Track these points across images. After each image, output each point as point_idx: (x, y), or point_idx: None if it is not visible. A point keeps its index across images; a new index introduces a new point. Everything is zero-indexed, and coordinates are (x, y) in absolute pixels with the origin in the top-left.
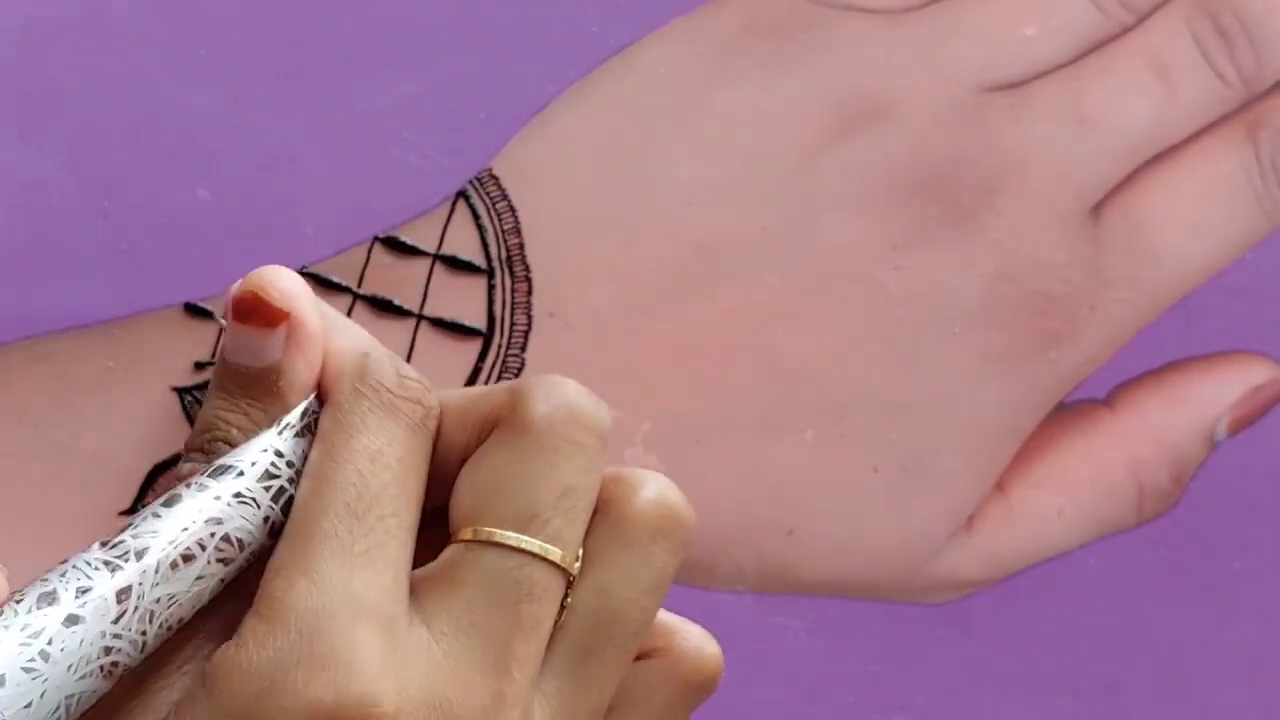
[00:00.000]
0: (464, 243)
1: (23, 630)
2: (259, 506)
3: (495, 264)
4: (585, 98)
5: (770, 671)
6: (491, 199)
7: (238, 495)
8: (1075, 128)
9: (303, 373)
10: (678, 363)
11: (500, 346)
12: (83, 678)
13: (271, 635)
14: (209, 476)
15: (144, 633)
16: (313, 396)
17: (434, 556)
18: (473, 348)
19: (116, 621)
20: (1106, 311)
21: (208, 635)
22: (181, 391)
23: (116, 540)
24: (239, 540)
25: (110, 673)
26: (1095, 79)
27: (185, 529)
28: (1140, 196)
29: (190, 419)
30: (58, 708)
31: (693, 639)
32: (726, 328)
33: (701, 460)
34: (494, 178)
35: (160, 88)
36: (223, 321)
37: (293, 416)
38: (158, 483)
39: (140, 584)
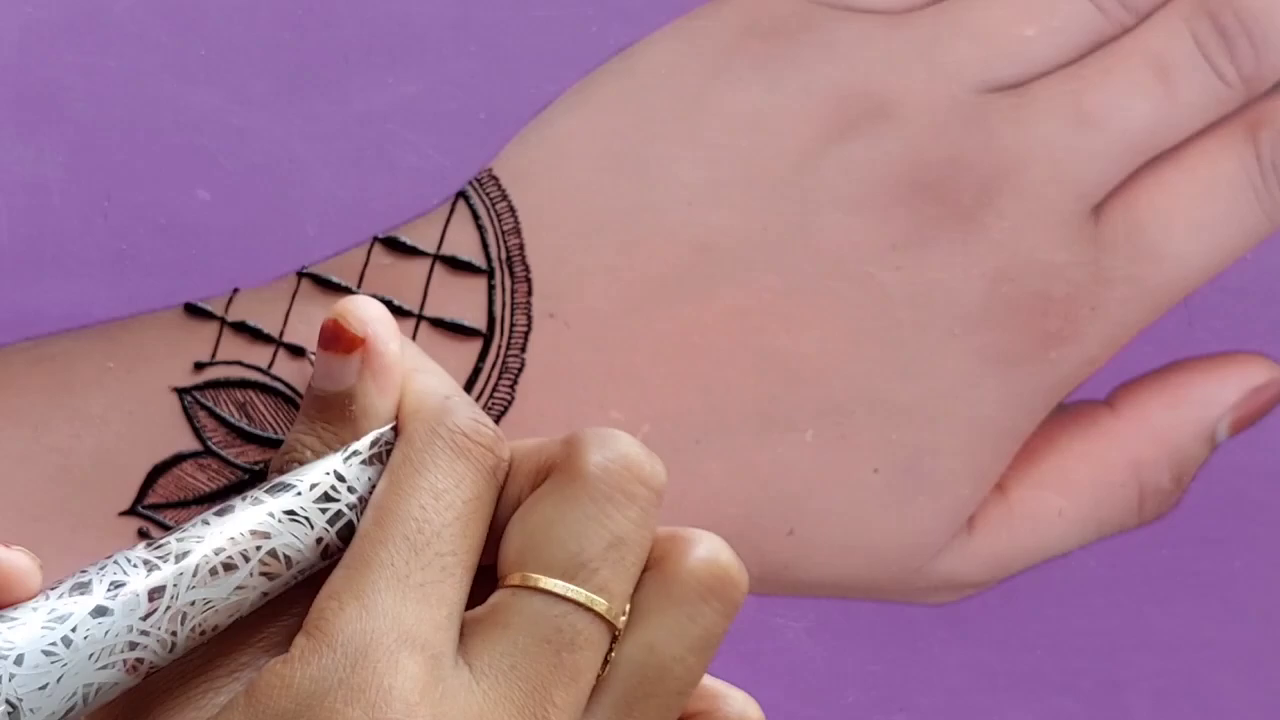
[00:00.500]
0: (464, 243)
1: (49, 614)
2: (312, 526)
3: (495, 264)
4: (585, 98)
5: (770, 672)
6: (491, 199)
7: (290, 513)
8: (1076, 128)
9: (375, 399)
10: (678, 363)
11: (500, 347)
12: (104, 668)
13: (317, 654)
14: (266, 492)
15: (174, 633)
16: (388, 427)
17: (483, 601)
18: (473, 348)
19: (146, 618)
20: (1107, 312)
21: (265, 646)
22: (182, 392)
23: (161, 542)
24: (286, 557)
25: (135, 668)
26: (1096, 79)
27: (232, 539)
28: (1141, 197)
29: (190, 419)
30: (74, 694)
31: (735, 704)
32: (726, 328)
33: (701, 460)
34: (494, 178)
35: (160, 88)
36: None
37: (361, 444)
38: (158, 483)
39: (175, 585)
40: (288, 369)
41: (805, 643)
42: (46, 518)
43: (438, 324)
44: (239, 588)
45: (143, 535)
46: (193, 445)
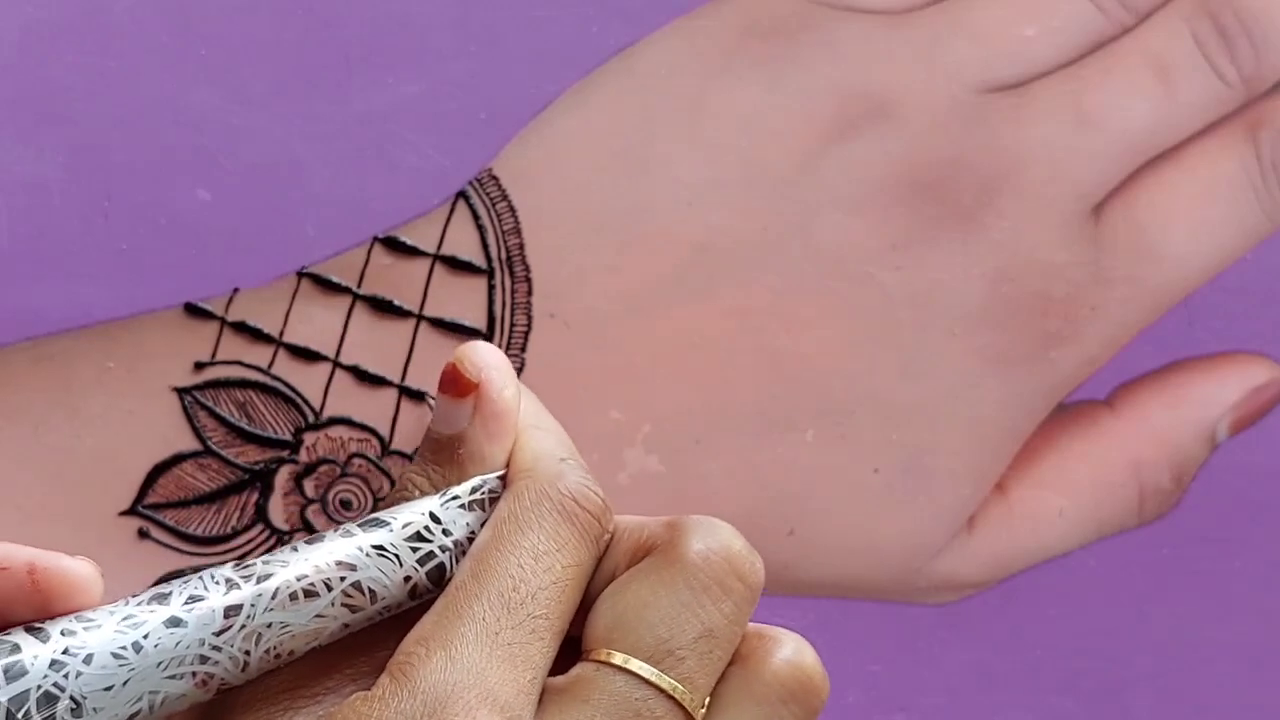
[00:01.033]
0: (464, 243)
1: (124, 620)
2: (401, 564)
3: (495, 264)
4: (585, 98)
5: None
6: (491, 199)
7: (379, 548)
8: (1076, 128)
9: (484, 444)
10: (678, 363)
11: (500, 346)
12: (172, 677)
13: (397, 698)
14: (359, 526)
15: (247, 653)
16: (493, 476)
17: (563, 669)
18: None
19: (219, 634)
20: (1107, 312)
21: (352, 676)
22: (182, 392)
23: (249, 563)
24: (371, 591)
25: (205, 683)
26: (1096, 79)
27: (316, 567)
28: (1141, 197)
29: (190, 419)
30: (139, 699)
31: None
32: (726, 328)
33: (701, 460)
34: (494, 178)
35: (160, 88)
36: (423, 315)
37: (462, 489)
38: (158, 482)
39: (253, 605)
40: (287, 369)
41: None
42: (47, 517)
43: (438, 324)
44: (319, 615)
45: (143, 535)
46: (193, 445)
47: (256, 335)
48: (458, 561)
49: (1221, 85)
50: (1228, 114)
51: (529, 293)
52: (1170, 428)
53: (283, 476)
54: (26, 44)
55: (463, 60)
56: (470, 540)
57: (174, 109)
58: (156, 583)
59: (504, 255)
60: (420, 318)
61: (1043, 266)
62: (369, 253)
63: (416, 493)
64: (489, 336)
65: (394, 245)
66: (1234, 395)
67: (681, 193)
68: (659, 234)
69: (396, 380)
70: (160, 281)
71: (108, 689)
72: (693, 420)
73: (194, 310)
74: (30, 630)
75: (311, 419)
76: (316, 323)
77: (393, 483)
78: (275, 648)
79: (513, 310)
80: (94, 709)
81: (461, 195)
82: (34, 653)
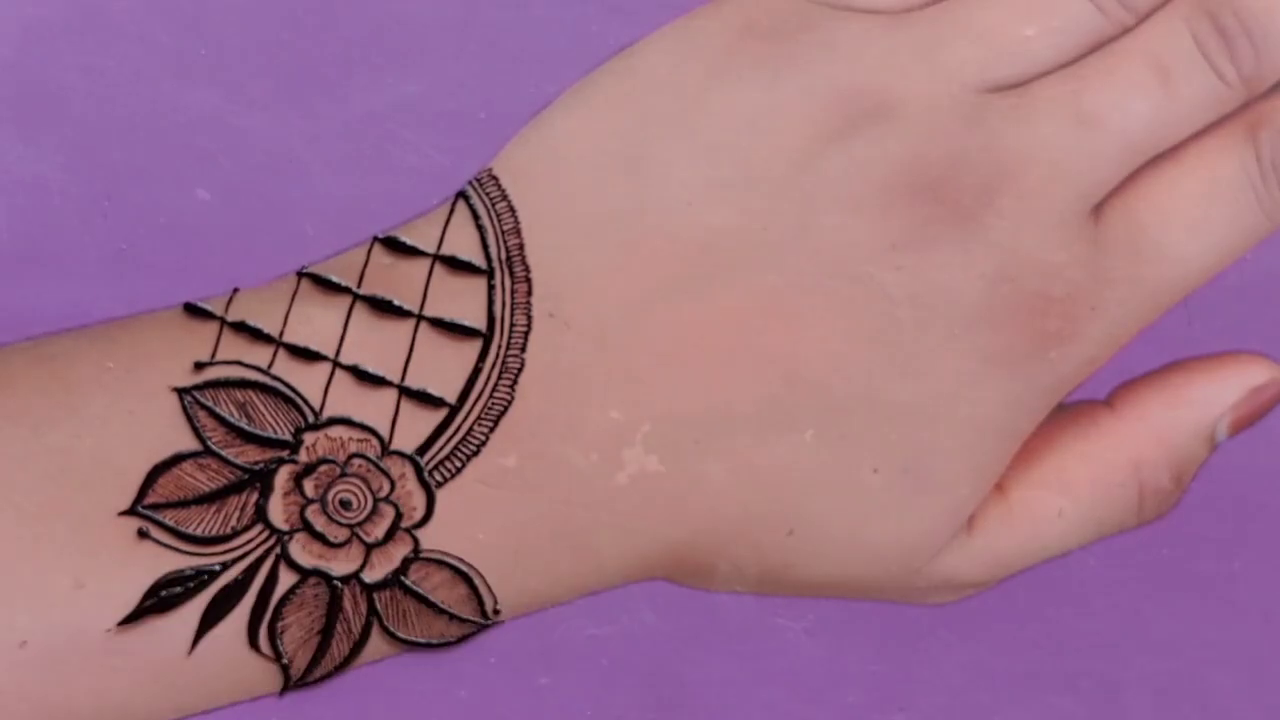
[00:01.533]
0: (464, 243)
1: None
2: None
3: (495, 264)
4: (585, 98)
5: (770, 672)
6: (491, 199)
7: None
8: (1075, 128)
9: None
10: (678, 363)
11: (500, 346)
12: None
13: None
14: None
15: None
16: None
17: None
18: (473, 348)
19: None
20: (1107, 312)
21: None
22: (181, 392)
23: None
24: None
25: None
26: (1095, 79)
27: None
28: (1141, 197)
29: (190, 419)
30: None
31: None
32: (726, 328)
33: (701, 460)
34: (494, 178)
35: (160, 88)
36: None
37: None
38: (158, 483)
39: None
40: (287, 369)
41: (805, 643)
42: (45, 517)
43: (437, 324)
44: None
45: (142, 535)
46: (192, 445)
47: (256, 335)
48: None
49: (1221, 85)
50: (1228, 114)
51: (529, 293)
52: (1170, 427)
53: (282, 476)
54: (27, 44)
55: (463, 60)
56: None
57: (174, 109)
58: (152, 589)
59: (504, 255)
60: (420, 318)
61: (1042, 266)
62: (369, 253)
63: None
64: (489, 336)
65: (393, 245)
66: (1234, 395)
67: (681, 192)
68: (659, 234)
69: (396, 380)
70: (159, 281)
71: None
72: (693, 420)
73: (193, 310)
74: None
75: (311, 419)
76: (316, 323)
77: (393, 483)
78: None
79: (513, 310)
80: None
81: (461, 195)
82: None
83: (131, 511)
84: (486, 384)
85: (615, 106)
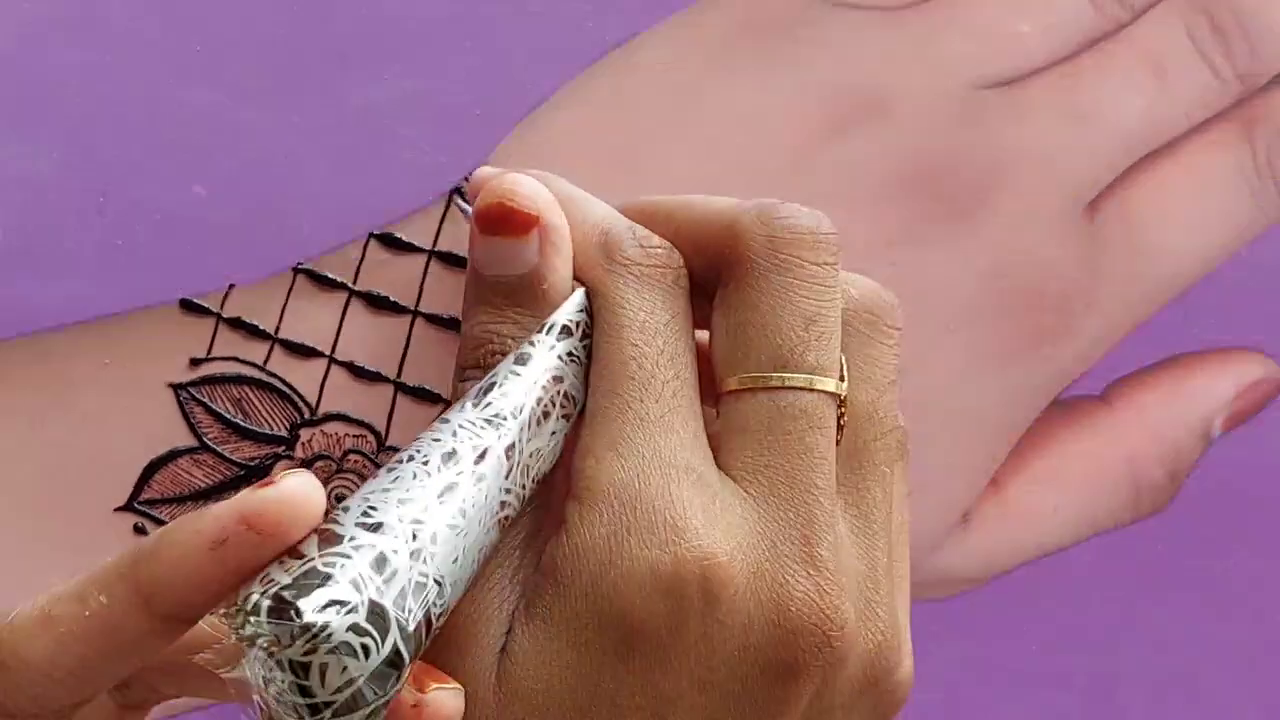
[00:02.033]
0: (460, 239)
1: (441, 490)
2: (581, 365)
3: None
4: (581, 95)
5: None
6: None
7: (570, 354)
8: (1070, 124)
9: (562, 270)
10: None
11: None
12: (488, 531)
13: (596, 513)
14: (545, 334)
15: (524, 485)
16: (580, 291)
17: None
18: None
19: (506, 476)
20: (1102, 308)
21: (524, 545)
22: (178, 388)
23: (486, 401)
24: (573, 397)
25: (503, 525)
26: (1090, 75)
27: (543, 386)
28: (1135, 193)
29: (186, 415)
30: (474, 561)
31: None
32: None
33: None
34: None
35: (156, 84)
36: (418, 312)
37: (577, 296)
38: (154, 478)
39: (519, 440)
40: (283, 365)
41: None
42: (43, 513)
43: (433, 320)
44: (553, 432)
45: (138, 530)
46: (189, 441)
47: (252, 331)
48: None
49: (1216, 81)
50: (1222, 110)
51: None
52: (1165, 423)
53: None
54: (23, 40)
55: (459, 56)
56: None
57: (169, 105)
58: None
59: None
60: (416, 314)
61: (1037, 262)
62: (365, 249)
63: (508, 341)
64: None
65: (390, 241)
66: (1229, 391)
67: (678, 188)
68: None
69: (393, 376)
70: (156, 277)
71: (455, 561)
72: None
73: (190, 306)
74: (367, 528)
75: (307, 415)
76: (312, 319)
77: None
78: (536, 474)
79: None
80: (450, 585)
81: (457, 191)
82: (391, 549)
83: (128, 507)
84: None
85: (612, 102)
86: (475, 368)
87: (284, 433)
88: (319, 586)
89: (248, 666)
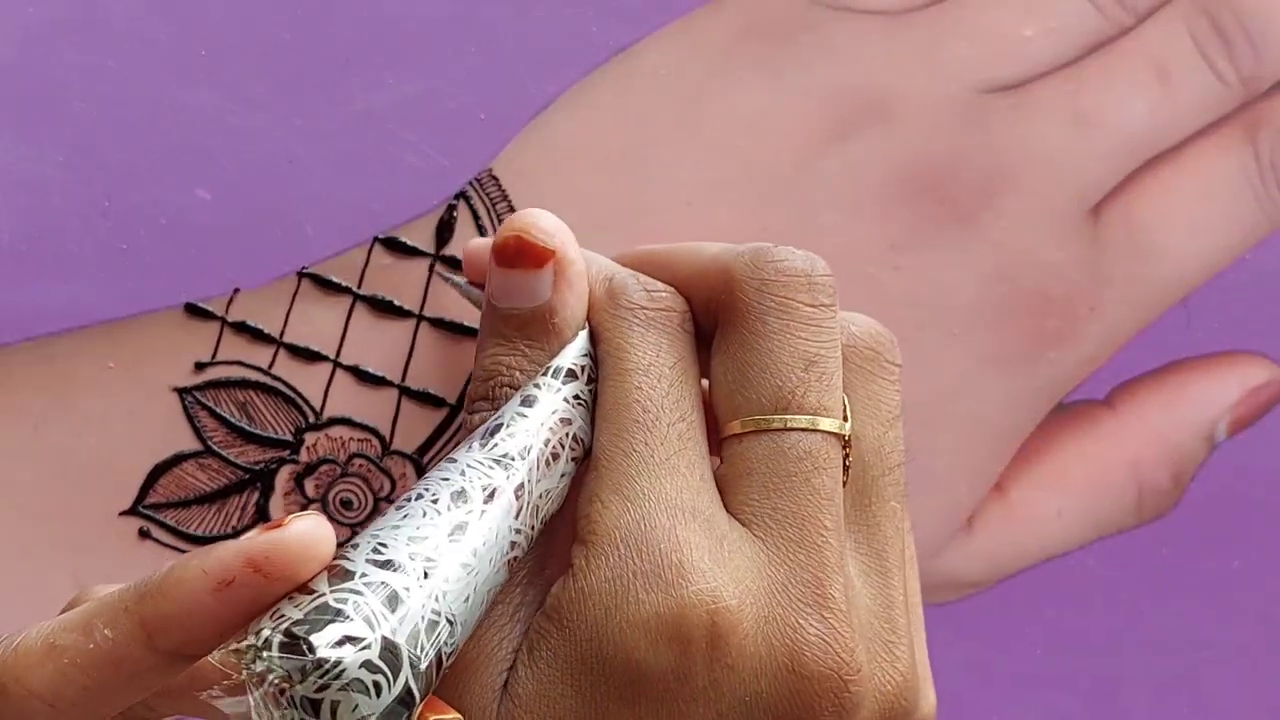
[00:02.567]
0: (464, 243)
1: (452, 529)
2: (589, 408)
3: None
4: (586, 99)
5: None
6: (492, 200)
7: (577, 397)
8: (1074, 128)
9: (575, 307)
10: None
11: None
12: (498, 570)
13: (602, 557)
14: (551, 377)
15: (533, 526)
16: (584, 332)
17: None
18: (473, 347)
19: (516, 517)
20: (1105, 311)
21: (526, 582)
22: (182, 392)
23: (493, 442)
24: (581, 440)
25: (511, 565)
26: (1094, 80)
27: (551, 428)
28: (1139, 197)
29: (191, 419)
30: (484, 600)
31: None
32: None
33: None
34: (494, 178)
35: (160, 87)
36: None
37: (581, 339)
38: (159, 482)
39: (528, 480)
40: (288, 369)
41: None
42: (47, 516)
43: (438, 324)
44: (562, 474)
45: (143, 535)
46: (193, 445)
47: (257, 335)
48: None
49: (1220, 85)
50: (1226, 114)
51: None
52: (1169, 427)
53: (283, 476)
54: (27, 44)
55: (463, 60)
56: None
57: (174, 109)
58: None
59: None
60: (420, 318)
61: (1041, 266)
62: (369, 253)
63: (516, 374)
64: None
65: (394, 245)
66: (1233, 395)
67: (681, 193)
68: (659, 234)
69: (397, 380)
70: (160, 281)
71: (466, 600)
72: None
73: (194, 310)
74: (379, 565)
75: (312, 419)
76: (317, 323)
77: (393, 483)
78: (546, 514)
79: None
80: (461, 624)
81: (462, 195)
82: (404, 586)
83: (132, 511)
84: None
85: (615, 107)
86: (484, 399)
87: (288, 437)
88: (332, 622)
89: (254, 703)
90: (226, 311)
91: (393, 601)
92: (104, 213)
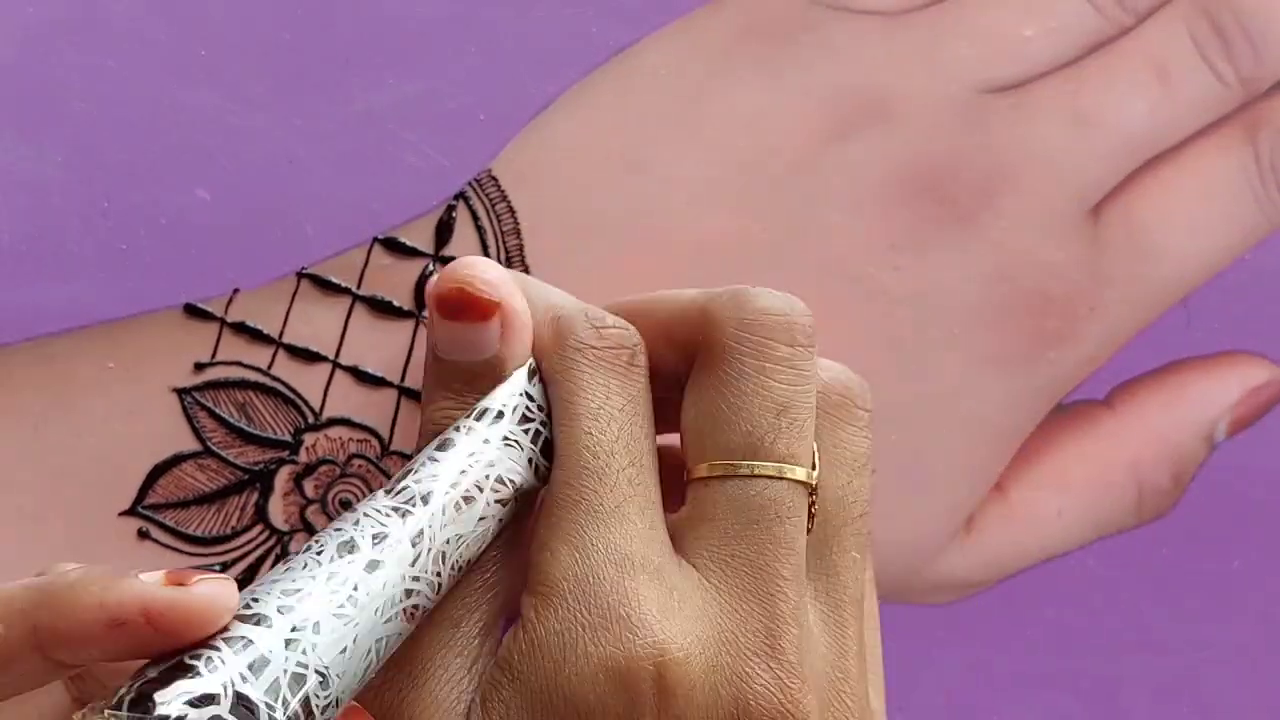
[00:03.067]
0: (464, 244)
1: (329, 579)
2: (522, 448)
3: None
4: (585, 99)
5: None
6: (491, 200)
7: (504, 439)
8: (1074, 128)
9: (522, 357)
10: None
11: None
12: (388, 620)
13: (551, 608)
14: (474, 419)
15: (439, 574)
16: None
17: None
18: None
19: (414, 564)
20: (1105, 311)
21: (480, 636)
22: (182, 392)
23: (400, 487)
24: (510, 480)
25: (412, 615)
26: (1094, 80)
27: (463, 471)
28: (1139, 197)
29: (190, 420)
30: (369, 651)
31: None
32: None
33: None
34: (493, 179)
35: (160, 88)
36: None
37: (530, 363)
38: (158, 483)
39: (430, 527)
40: (287, 369)
41: None
42: (46, 517)
43: None
44: (481, 518)
45: (143, 535)
46: (193, 445)
47: (256, 336)
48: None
49: (1220, 86)
50: (1226, 114)
51: None
52: (1169, 427)
53: (282, 477)
54: (27, 44)
55: (462, 60)
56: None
57: (173, 109)
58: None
59: (503, 256)
60: (420, 318)
61: (1041, 266)
62: (369, 253)
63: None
64: None
65: (393, 246)
66: (1233, 395)
67: (681, 193)
68: (659, 234)
69: (396, 381)
70: (159, 281)
71: (343, 651)
72: None
73: (194, 311)
74: (245, 619)
75: (311, 419)
76: (316, 323)
77: None
78: (456, 561)
79: None
80: (337, 676)
81: (461, 196)
82: (266, 641)
83: (132, 511)
84: None
85: (616, 107)
86: (429, 442)
87: (288, 437)
88: (179, 679)
89: None
90: (226, 312)
91: (250, 655)
92: (104, 213)
